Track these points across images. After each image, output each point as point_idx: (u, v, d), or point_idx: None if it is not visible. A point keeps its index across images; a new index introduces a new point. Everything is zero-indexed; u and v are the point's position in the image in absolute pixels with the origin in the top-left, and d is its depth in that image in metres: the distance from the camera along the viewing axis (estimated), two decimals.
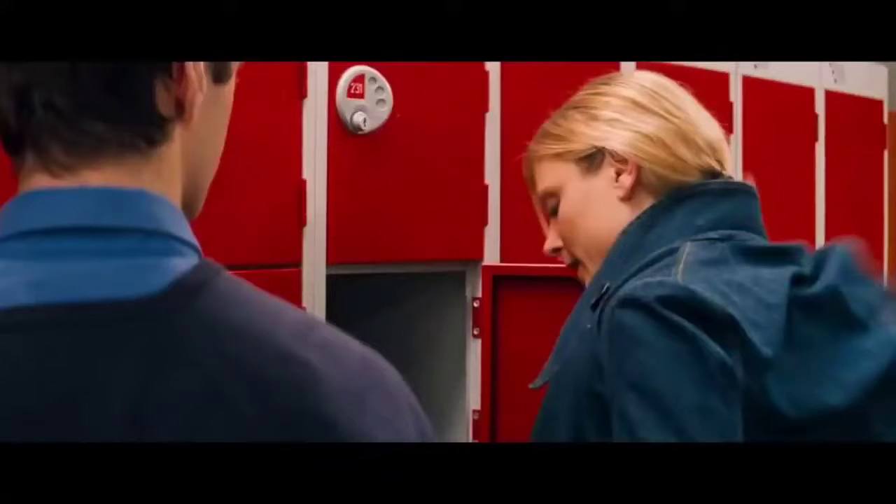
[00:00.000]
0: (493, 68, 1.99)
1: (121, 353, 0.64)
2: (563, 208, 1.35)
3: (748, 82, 2.60)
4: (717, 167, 1.31)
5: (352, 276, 1.81)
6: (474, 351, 1.94)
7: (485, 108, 1.98)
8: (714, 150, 1.32)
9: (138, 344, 0.64)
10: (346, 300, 1.79)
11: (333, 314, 1.70)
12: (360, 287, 1.93)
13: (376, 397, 0.69)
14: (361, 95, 1.75)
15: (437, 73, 1.87)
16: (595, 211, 1.32)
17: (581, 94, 1.38)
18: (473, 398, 1.93)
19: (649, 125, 1.30)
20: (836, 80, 2.88)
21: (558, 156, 1.35)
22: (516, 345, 1.80)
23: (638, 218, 1.28)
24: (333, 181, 1.73)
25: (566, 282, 1.48)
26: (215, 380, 0.64)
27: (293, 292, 1.66)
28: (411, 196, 1.85)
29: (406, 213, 1.84)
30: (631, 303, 1.09)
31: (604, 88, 1.36)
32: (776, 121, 2.70)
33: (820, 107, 2.82)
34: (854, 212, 2.94)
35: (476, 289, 1.94)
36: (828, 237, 2.82)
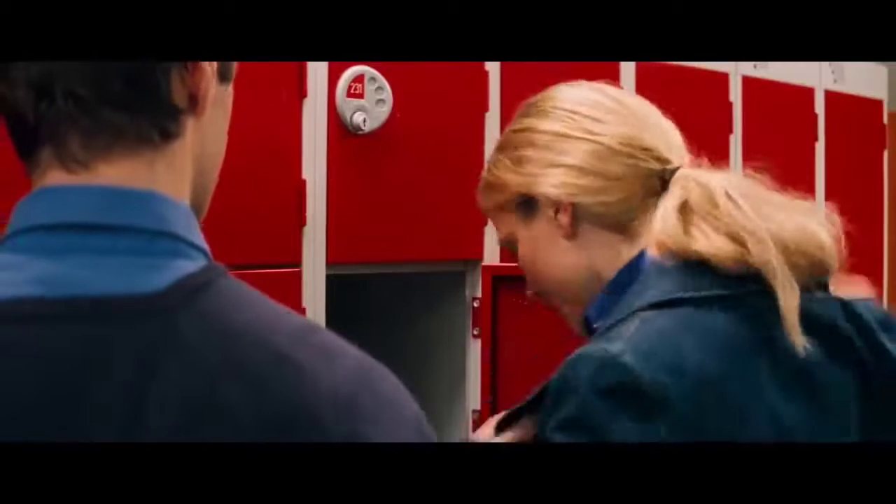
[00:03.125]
0: (493, 68, 1.99)
1: (119, 349, 0.64)
2: (520, 253, 1.33)
3: (748, 82, 2.60)
4: (661, 165, 1.25)
5: (352, 276, 1.81)
6: (474, 351, 1.94)
7: (485, 108, 1.98)
8: (651, 151, 1.25)
9: (137, 340, 0.64)
10: (345, 300, 1.79)
11: (333, 314, 1.70)
12: (360, 287, 1.93)
13: (369, 402, 0.68)
14: (361, 95, 1.75)
15: (437, 73, 1.87)
16: (544, 253, 1.30)
17: (507, 130, 1.36)
18: (473, 398, 1.93)
19: (571, 156, 1.25)
20: (836, 80, 2.87)
21: (500, 207, 1.33)
22: (516, 345, 1.80)
23: (627, 265, 1.24)
24: (333, 181, 1.73)
25: None
26: (212, 379, 0.64)
27: (293, 292, 1.66)
28: (411, 196, 1.85)
29: (406, 213, 1.84)
30: (572, 374, 1.08)
31: (526, 122, 1.32)
32: (776, 121, 2.69)
33: (820, 107, 2.82)
34: (854, 212, 2.93)
35: (476, 289, 1.94)
36: None
